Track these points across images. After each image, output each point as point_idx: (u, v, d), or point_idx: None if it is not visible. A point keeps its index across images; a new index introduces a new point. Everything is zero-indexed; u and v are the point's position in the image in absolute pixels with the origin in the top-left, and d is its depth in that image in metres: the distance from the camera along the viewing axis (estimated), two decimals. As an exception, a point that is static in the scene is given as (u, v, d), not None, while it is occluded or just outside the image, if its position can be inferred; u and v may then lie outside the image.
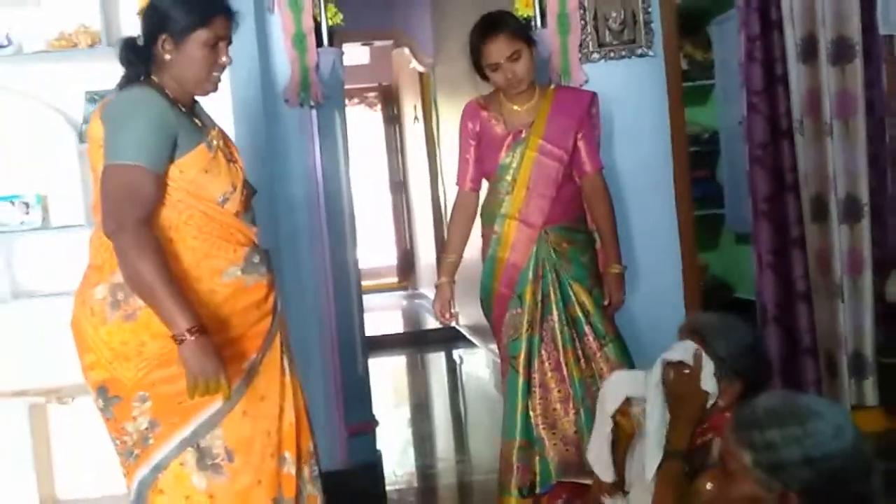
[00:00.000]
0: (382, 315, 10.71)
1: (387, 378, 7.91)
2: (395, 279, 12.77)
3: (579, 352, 3.82)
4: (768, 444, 1.66)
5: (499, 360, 7.26)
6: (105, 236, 2.40)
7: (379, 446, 4.91)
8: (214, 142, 2.65)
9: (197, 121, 2.70)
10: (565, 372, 3.80)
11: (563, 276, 3.84)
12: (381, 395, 5.85)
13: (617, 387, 2.93)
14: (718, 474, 1.73)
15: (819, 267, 4.98)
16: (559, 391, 3.81)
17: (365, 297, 5.12)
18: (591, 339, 3.83)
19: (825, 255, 4.95)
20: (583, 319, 3.83)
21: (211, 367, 2.32)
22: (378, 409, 5.00)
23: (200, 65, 2.61)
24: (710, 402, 2.66)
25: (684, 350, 2.70)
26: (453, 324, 9.06)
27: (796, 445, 1.64)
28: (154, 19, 2.63)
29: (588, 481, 3.07)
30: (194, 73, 2.63)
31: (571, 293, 3.84)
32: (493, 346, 7.59)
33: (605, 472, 2.88)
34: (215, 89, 2.72)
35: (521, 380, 3.81)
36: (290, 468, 2.61)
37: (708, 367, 2.65)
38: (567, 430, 3.79)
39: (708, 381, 2.65)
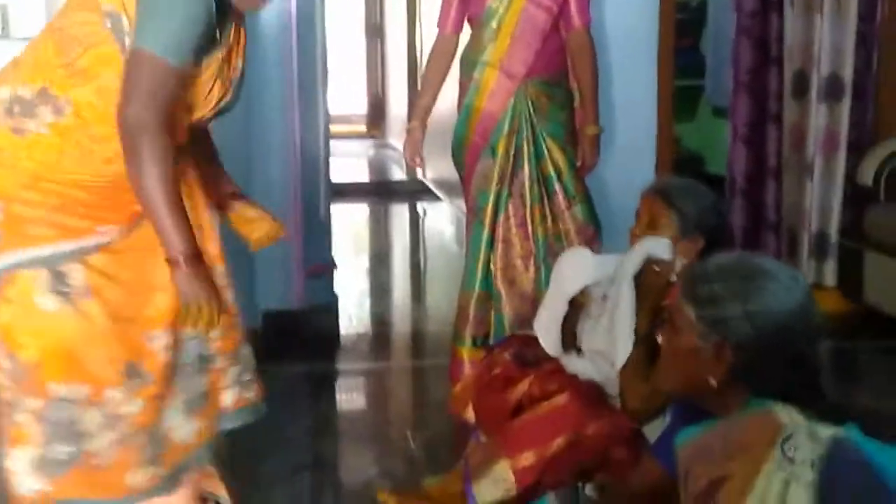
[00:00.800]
0: (348, 162, 10.61)
1: (349, 226, 7.87)
2: (363, 127, 12.63)
3: (546, 210, 3.79)
4: (711, 298, 1.67)
5: (463, 216, 7.28)
6: (118, 119, 2.13)
7: (336, 291, 4.90)
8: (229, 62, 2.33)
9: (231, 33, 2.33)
10: (530, 229, 3.78)
11: (539, 132, 3.77)
12: (342, 242, 5.83)
13: (581, 270, 2.89)
14: (667, 329, 1.74)
15: (793, 143, 4.95)
16: (522, 248, 3.79)
17: (332, 144, 5.03)
18: (560, 197, 3.79)
19: (801, 131, 4.91)
20: (554, 177, 3.78)
21: (203, 295, 2.21)
22: (338, 256, 4.97)
23: None
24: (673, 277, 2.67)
25: (664, 247, 2.70)
26: (420, 173, 8.97)
27: (738, 300, 1.65)
28: None
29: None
30: None
31: (545, 149, 3.77)
32: (459, 202, 7.63)
33: (552, 347, 2.88)
34: (264, 5, 2.40)
35: (485, 232, 3.79)
36: (159, 346, 2.37)
37: (681, 260, 2.66)
38: (525, 286, 3.78)
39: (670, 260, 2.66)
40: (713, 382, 1.67)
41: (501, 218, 3.79)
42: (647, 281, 2.67)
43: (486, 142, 3.78)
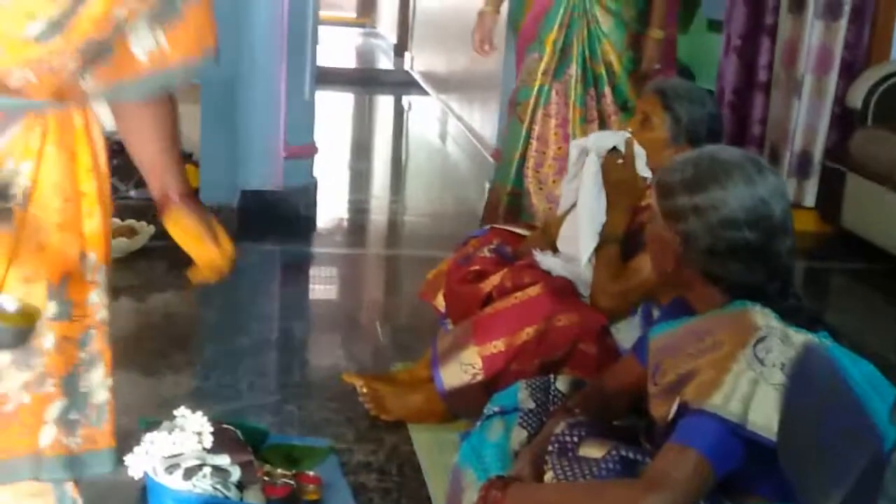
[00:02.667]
0: (336, 49, 10.46)
1: (332, 112, 7.79)
2: (353, 14, 12.44)
3: (593, 112, 3.66)
4: (669, 189, 1.71)
5: (449, 113, 7.20)
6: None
7: (316, 175, 4.87)
8: None
9: None
10: (569, 130, 3.66)
11: (594, 29, 3.62)
12: (325, 128, 5.77)
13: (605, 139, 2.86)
14: (649, 219, 1.82)
15: (785, 60, 4.91)
16: (559, 148, 3.68)
17: (321, 29, 4.96)
18: (608, 100, 3.65)
19: (794, 48, 4.86)
20: (605, 79, 3.64)
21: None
22: (319, 141, 4.93)
23: None
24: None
25: (618, 137, 2.68)
26: (408, 65, 8.85)
27: (687, 192, 1.68)
28: None
29: (522, 231, 3.06)
30: None
31: (599, 50, 3.63)
32: (445, 97, 7.56)
33: (567, 198, 2.85)
34: None
35: (523, 129, 3.68)
36: None
37: (641, 154, 2.64)
38: (554, 189, 3.65)
39: (642, 168, 2.64)
40: (667, 268, 1.73)
41: (540, 114, 3.68)
42: (615, 178, 2.66)
43: (535, 33, 3.66)
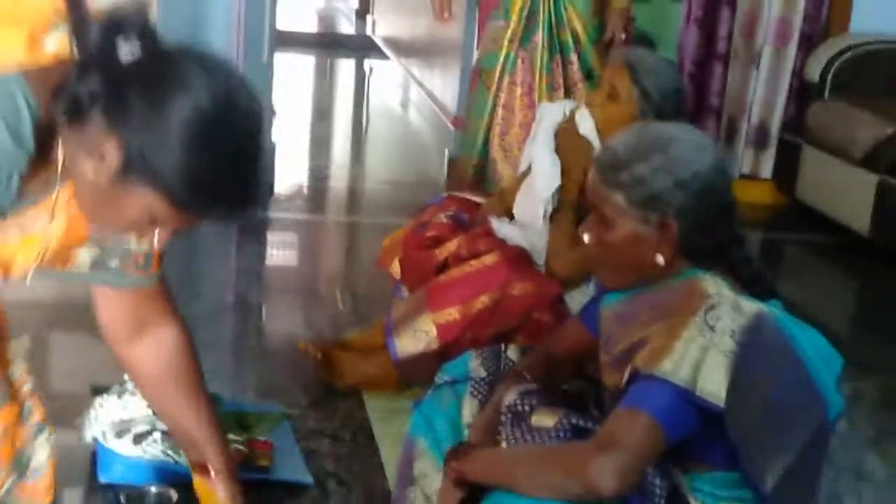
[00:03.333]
0: (297, 11, 10.35)
1: (291, 76, 7.72)
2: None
3: (559, 80, 3.63)
4: (638, 180, 1.63)
5: (410, 78, 7.16)
6: None
7: (274, 139, 4.82)
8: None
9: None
10: (535, 97, 3.62)
11: None
12: (285, 92, 5.72)
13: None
14: (594, 226, 1.69)
15: (743, 31, 4.93)
16: (524, 116, 3.63)
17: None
18: (574, 68, 3.61)
19: (753, 19, 4.88)
20: (571, 46, 3.61)
21: None
22: (278, 105, 4.88)
23: (125, 221, 1.44)
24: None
25: (560, 107, 2.73)
26: (369, 29, 8.76)
27: (664, 173, 1.63)
28: (120, 97, 1.36)
29: (479, 199, 3.05)
30: (107, 217, 1.46)
31: (565, 17, 3.60)
32: (407, 62, 7.51)
33: (525, 162, 2.86)
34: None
35: (490, 96, 3.64)
36: None
37: (586, 116, 2.65)
38: (519, 157, 3.55)
39: (590, 131, 2.65)
40: (661, 260, 1.65)
41: (507, 82, 3.64)
42: (566, 145, 2.67)
43: (498, 1, 3.64)
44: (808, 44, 4.94)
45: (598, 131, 2.70)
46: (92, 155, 1.36)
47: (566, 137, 2.68)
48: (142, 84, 1.35)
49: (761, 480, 1.58)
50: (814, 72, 4.85)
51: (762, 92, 4.98)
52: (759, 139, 5.05)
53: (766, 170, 5.09)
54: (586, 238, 1.71)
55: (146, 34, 1.37)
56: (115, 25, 1.35)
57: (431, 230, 2.85)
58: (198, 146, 1.35)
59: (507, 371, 1.91)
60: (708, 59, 4.94)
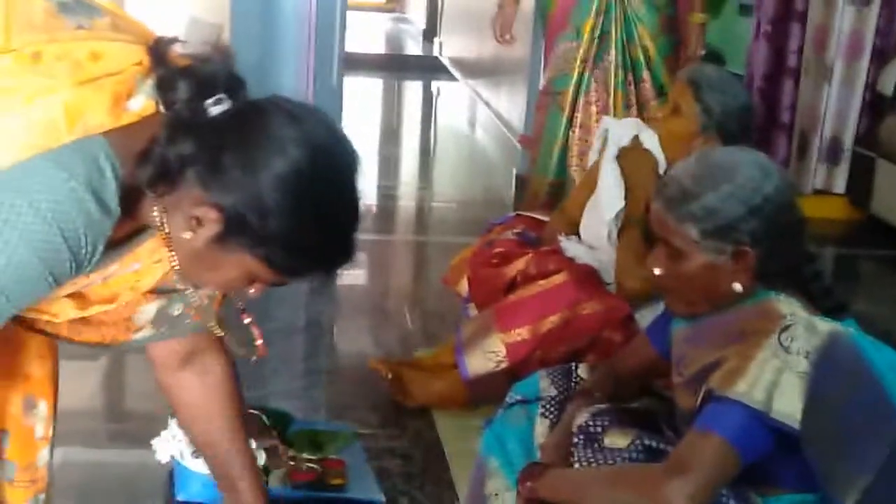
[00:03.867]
0: (365, 34, 10.46)
1: (361, 98, 7.79)
2: (383, 0, 12.42)
3: (632, 98, 3.64)
4: (709, 211, 1.60)
5: (477, 98, 7.18)
6: None
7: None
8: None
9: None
10: (611, 116, 3.61)
11: (630, 15, 3.59)
12: (353, 114, 5.77)
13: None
14: (663, 258, 1.67)
15: (815, 45, 4.87)
16: None
17: (349, 14, 4.96)
18: (647, 85, 3.63)
19: (824, 33, 4.82)
20: (643, 63, 3.62)
21: None
22: (347, 127, 4.92)
23: (222, 280, 1.46)
24: (662, 168, 2.66)
25: (624, 125, 2.75)
26: (437, 51, 8.82)
27: (735, 201, 1.60)
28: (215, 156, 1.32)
29: (545, 217, 3.06)
30: (203, 277, 1.46)
31: (636, 33, 3.60)
32: (474, 83, 7.54)
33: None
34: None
35: (563, 117, 3.65)
36: None
37: (650, 135, 2.65)
38: None
39: (653, 147, 2.66)
40: (739, 288, 1.63)
41: (582, 102, 3.65)
42: (630, 165, 2.66)
43: (567, 21, 3.64)
44: (881, 57, 4.87)
45: (662, 147, 2.70)
46: (188, 219, 1.32)
47: (630, 157, 2.67)
48: (235, 144, 1.30)
49: (842, 501, 1.56)
50: (887, 85, 4.77)
51: (834, 106, 4.91)
52: (832, 154, 4.98)
53: (840, 185, 5.02)
54: (657, 272, 1.69)
55: (235, 86, 1.33)
56: (204, 83, 1.30)
57: (498, 248, 2.86)
58: (297, 210, 1.32)
59: (576, 389, 1.91)
60: (778, 74, 4.88)
